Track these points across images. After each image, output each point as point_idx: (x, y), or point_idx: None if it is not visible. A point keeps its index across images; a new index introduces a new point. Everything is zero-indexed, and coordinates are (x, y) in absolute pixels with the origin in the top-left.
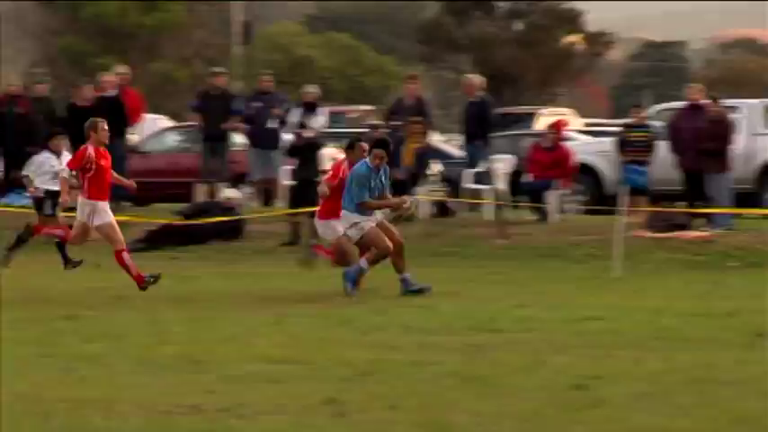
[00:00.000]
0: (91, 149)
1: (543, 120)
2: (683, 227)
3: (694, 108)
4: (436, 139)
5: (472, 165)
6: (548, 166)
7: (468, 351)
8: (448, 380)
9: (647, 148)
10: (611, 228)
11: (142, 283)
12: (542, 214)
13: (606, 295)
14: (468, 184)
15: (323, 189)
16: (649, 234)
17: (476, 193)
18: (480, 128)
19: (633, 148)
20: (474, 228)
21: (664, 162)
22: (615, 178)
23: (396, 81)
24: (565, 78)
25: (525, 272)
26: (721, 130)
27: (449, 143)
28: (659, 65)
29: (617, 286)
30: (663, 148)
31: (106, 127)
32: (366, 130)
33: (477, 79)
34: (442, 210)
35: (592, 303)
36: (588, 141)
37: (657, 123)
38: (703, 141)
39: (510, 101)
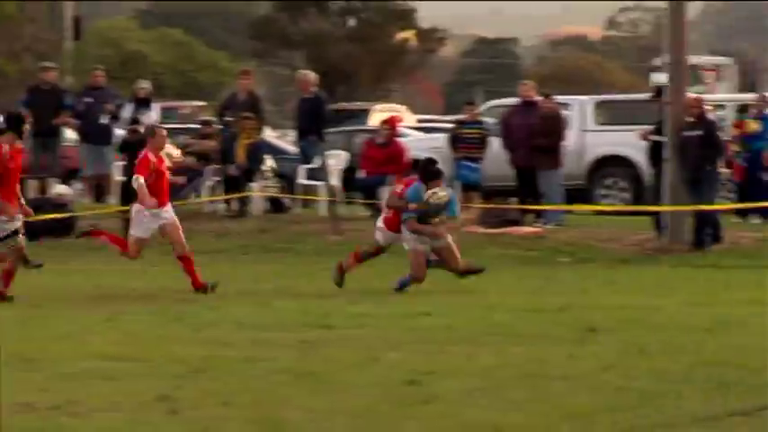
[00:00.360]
0: (151, 155)
1: (377, 116)
2: (514, 222)
3: (527, 105)
4: (269, 134)
5: (306, 161)
6: (381, 162)
7: (302, 347)
8: (281, 376)
9: (480, 144)
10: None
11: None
12: (376, 210)
13: (439, 291)
14: (302, 179)
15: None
16: (482, 230)
17: (309, 189)
18: (314, 124)
19: (466, 144)
20: (307, 224)
21: (496, 158)
22: (448, 174)
23: (229, 77)
24: (398, 75)
25: (358, 268)
26: (553, 127)
27: (282, 139)
28: (491, 62)
29: (449, 282)
30: (495, 145)
31: (164, 133)
32: (198, 126)
33: (310, 75)
34: (276, 205)
35: (425, 299)
36: (421, 138)
37: (490, 120)
38: (535, 138)
39: (343, 97)
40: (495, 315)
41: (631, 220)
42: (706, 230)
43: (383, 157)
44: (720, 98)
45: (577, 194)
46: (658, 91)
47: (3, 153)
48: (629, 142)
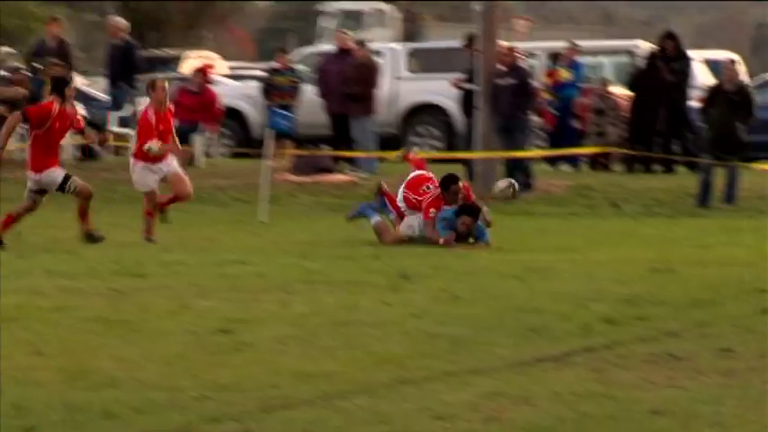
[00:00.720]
0: (152, 113)
1: (189, 63)
2: (327, 171)
3: (342, 52)
4: (79, 81)
5: (117, 108)
6: (194, 109)
7: (113, 296)
8: (92, 325)
9: (293, 92)
10: (258, 172)
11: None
12: (189, 158)
13: (252, 239)
14: (113, 127)
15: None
16: (295, 178)
17: (121, 137)
18: (125, 71)
19: (278, 92)
20: (119, 172)
21: (310, 106)
22: (261, 122)
23: (37, 23)
24: (210, 22)
25: (171, 216)
26: (367, 75)
27: (92, 86)
28: (304, 9)
29: (263, 230)
30: (309, 92)
31: (166, 85)
32: (7, 72)
33: (121, 22)
34: (87, 153)
35: (238, 247)
36: (234, 85)
37: (303, 67)
38: (349, 85)
39: (154, 44)
40: (307, 263)
41: (443, 167)
42: (517, 178)
43: (195, 104)
44: (532, 47)
45: (390, 142)
46: (470, 39)
47: (53, 110)
48: (442, 90)
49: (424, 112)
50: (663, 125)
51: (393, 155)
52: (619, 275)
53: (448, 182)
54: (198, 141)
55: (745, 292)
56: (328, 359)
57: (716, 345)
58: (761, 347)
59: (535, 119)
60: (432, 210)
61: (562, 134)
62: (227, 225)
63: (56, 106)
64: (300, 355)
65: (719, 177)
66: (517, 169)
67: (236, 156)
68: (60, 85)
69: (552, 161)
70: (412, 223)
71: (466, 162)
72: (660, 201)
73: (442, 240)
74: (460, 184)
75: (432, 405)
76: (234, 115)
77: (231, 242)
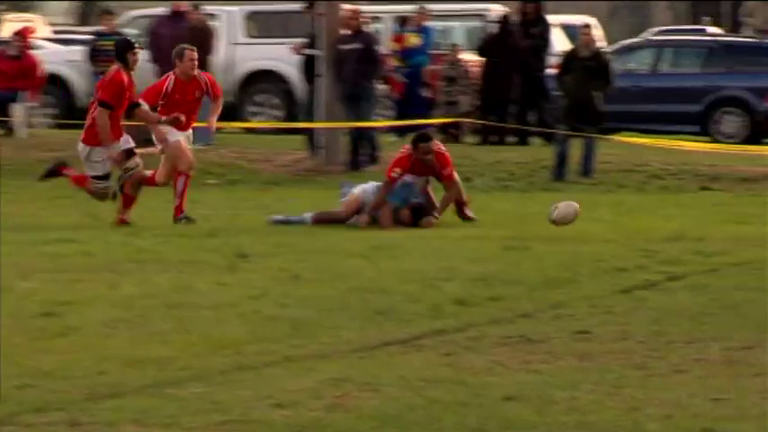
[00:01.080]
0: (171, 80)
1: (8, 26)
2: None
3: (175, 15)
4: None
5: None
6: (13, 76)
7: None
8: None
9: None
10: None
11: (178, 215)
12: (8, 129)
13: (76, 216)
14: None
15: None
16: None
17: None
18: None
19: (106, 57)
20: None
21: (141, 72)
22: (87, 90)
23: None
24: None
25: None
26: (202, 39)
27: None
28: None
29: (89, 206)
30: (139, 58)
31: (195, 56)
32: None
33: None
34: None
35: (62, 224)
36: (57, 50)
37: (131, 31)
38: None
39: None
40: (137, 241)
41: (284, 139)
42: (362, 150)
43: (15, 70)
44: (378, 10)
45: (226, 111)
46: (312, 2)
47: (125, 82)
48: (282, 56)
49: (263, 80)
50: (517, 94)
51: (231, 125)
52: (470, 253)
53: (418, 139)
54: (18, 111)
55: (603, 271)
56: (160, 344)
57: (572, 327)
58: (619, 329)
59: (382, 87)
60: (397, 169)
61: (410, 103)
62: (50, 201)
63: (125, 77)
64: (130, 340)
65: (576, 149)
66: (362, 140)
67: (60, 126)
68: (123, 50)
69: (400, 132)
70: (366, 187)
71: (308, 132)
72: (514, 174)
73: (364, 220)
74: (432, 144)
75: (271, 392)
76: (57, 82)
77: (55, 219)
